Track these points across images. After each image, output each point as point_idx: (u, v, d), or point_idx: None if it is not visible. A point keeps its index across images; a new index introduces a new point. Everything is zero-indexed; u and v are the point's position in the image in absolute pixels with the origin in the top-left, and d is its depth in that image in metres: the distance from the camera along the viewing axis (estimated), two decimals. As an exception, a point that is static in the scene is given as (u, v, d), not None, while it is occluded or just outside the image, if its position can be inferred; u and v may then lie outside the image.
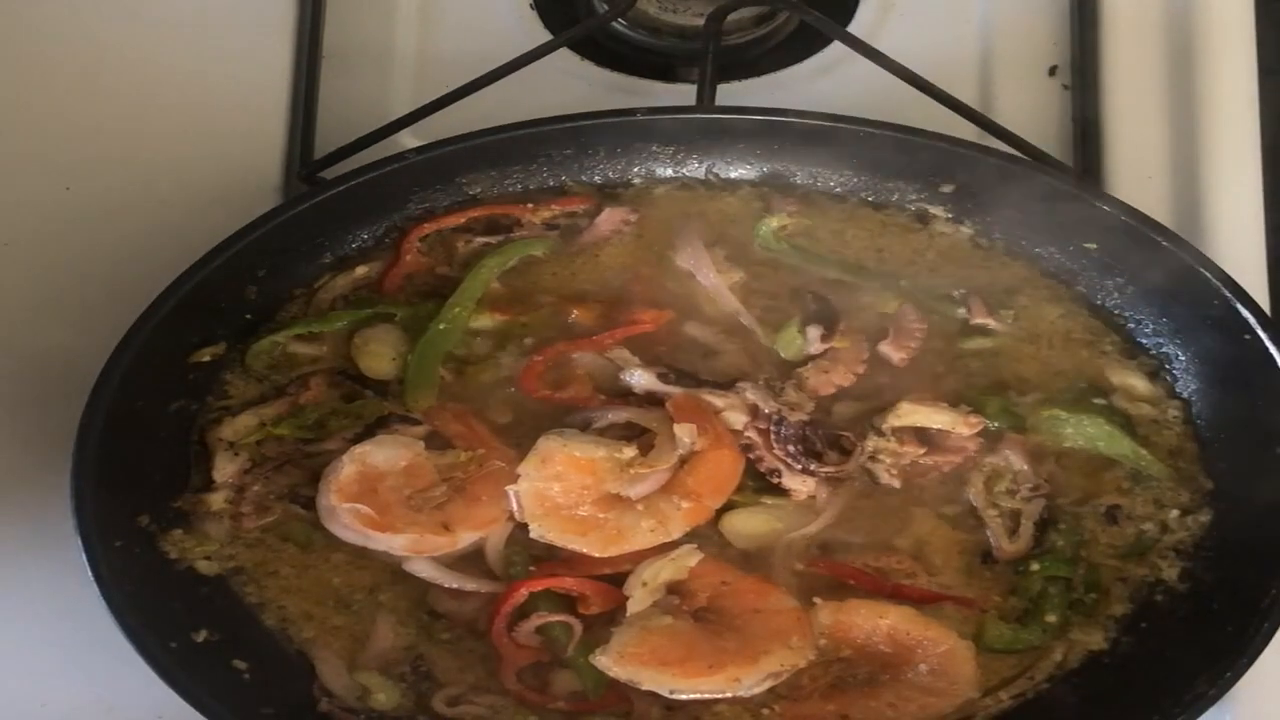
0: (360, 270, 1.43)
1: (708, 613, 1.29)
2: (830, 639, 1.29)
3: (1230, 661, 1.25)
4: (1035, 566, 1.32)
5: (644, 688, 1.26)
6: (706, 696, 1.26)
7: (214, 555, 1.31)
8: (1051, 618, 1.31)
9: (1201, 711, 1.24)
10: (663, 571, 1.29)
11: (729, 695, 1.26)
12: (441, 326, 1.40)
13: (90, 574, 1.23)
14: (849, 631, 1.29)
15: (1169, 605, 1.33)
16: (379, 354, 1.40)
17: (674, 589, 1.30)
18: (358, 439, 1.34)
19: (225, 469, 1.34)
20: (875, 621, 1.29)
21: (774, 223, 1.45)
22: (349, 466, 1.32)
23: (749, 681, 1.25)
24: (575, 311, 1.41)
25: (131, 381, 1.29)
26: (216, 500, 1.33)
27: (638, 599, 1.28)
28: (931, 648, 1.28)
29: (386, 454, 1.33)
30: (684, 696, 1.26)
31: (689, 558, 1.30)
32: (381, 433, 1.35)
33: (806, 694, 1.27)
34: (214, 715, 1.21)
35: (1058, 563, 1.32)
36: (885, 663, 1.28)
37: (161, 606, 1.26)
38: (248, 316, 1.39)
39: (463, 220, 1.45)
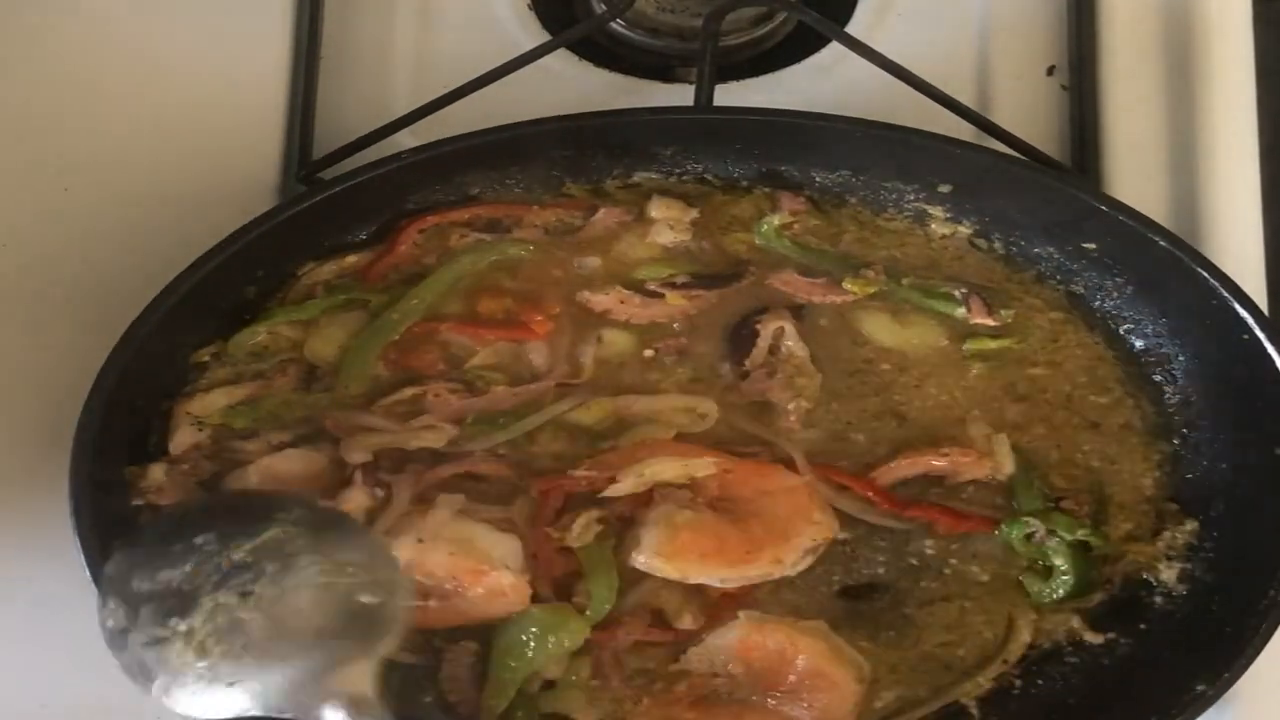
0: (350, 259, 1.43)
1: (721, 502, 1.31)
2: (730, 652, 1.29)
3: (1229, 662, 1.25)
4: None
5: (692, 581, 1.28)
6: (755, 581, 1.29)
7: None
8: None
9: (1200, 712, 1.25)
10: (665, 472, 1.30)
11: (776, 576, 1.29)
12: (394, 316, 1.39)
13: (89, 574, 1.23)
14: (751, 650, 1.29)
15: (1168, 606, 1.34)
16: (330, 338, 1.39)
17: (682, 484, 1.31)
18: (282, 446, 1.34)
19: (183, 443, 1.34)
20: (784, 646, 1.29)
21: (776, 220, 1.45)
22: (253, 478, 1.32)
23: (790, 560, 1.30)
24: (483, 300, 1.41)
25: (130, 381, 1.29)
26: (157, 472, 1.32)
27: (624, 486, 1.30)
28: (820, 683, 1.29)
29: (292, 465, 1.32)
30: (734, 585, 1.28)
31: (701, 469, 1.31)
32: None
33: (677, 697, 1.28)
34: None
35: None
36: (767, 687, 1.29)
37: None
38: (246, 316, 1.39)
39: (466, 216, 1.44)
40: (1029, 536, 1.34)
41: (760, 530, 1.29)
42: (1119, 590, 1.35)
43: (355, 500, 1.29)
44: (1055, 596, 1.34)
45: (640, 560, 1.28)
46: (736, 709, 1.29)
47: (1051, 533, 1.34)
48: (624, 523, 1.32)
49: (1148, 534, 1.36)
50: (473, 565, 1.27)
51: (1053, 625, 1.34)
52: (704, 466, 1.32)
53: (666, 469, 1.31)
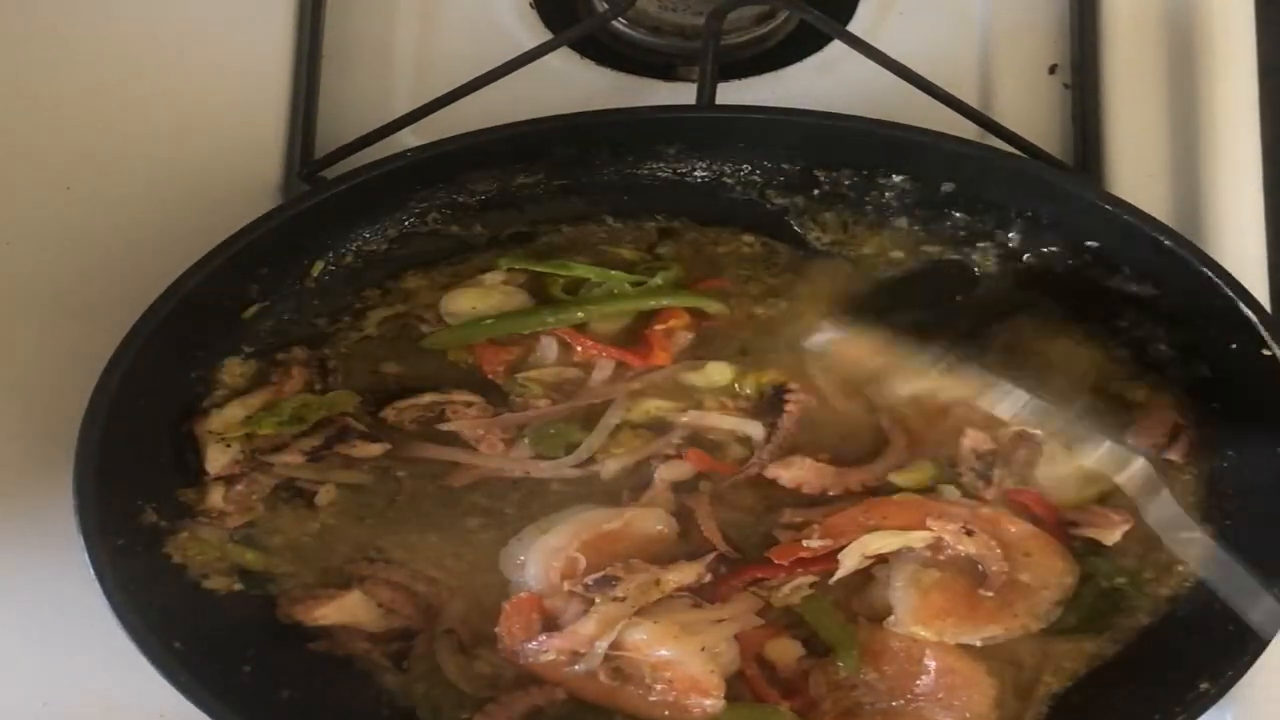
0: None
1: (961, 558, 1.30)
2: (860, 660, 1.29)
3: (1231, 660, 1.25)
4: None
5: (955, 643, 1.27)
6: (1011, 637, 1.28)
7: (216, 568, 1.32)
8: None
9: (1203, 710, 1.25)
10: (886, 547, 1.29)
11: (1033, 630, 1.29)
12: (549, 319, 1.41)
13: (93, 573, 1.23)
14: (878, 655, 1.29)
15: (1170, 605, 1.34)
16: (472, 296, 1.41)
17: None
18: (315, 452, 1.35)
19: (218, 460, 1.34)
20: (909, 646, 1.29)
21: None
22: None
23: (1043, 613, 1.29)
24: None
25: (134, 381, 1.29)
26: (215, 493, 1.33)
27: (848, 566, 1.29)
28: (955, 680, 1.28)
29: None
30: (998, 640, 1.28)
31: (918, 540, 1.29)
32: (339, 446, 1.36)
33: (822, 713, 1.27)
34: (217, 714, 1.21)
35: None
36: (904, 691, 1.28)
37: (164, 605, 1.26)
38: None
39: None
40: None
41: (1008, 585, 1.28)
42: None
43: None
44: (1062, 625, 1.32)
45: (899, 628, 1.27)
46: (881, 718, 1.28)
47: (1087, 578, 1.33)
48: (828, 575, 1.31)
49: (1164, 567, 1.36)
50: (691, 680, 1.26)
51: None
52: (921, 539, 1.29)
53: (887, 543, 1.29)
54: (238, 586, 1.32)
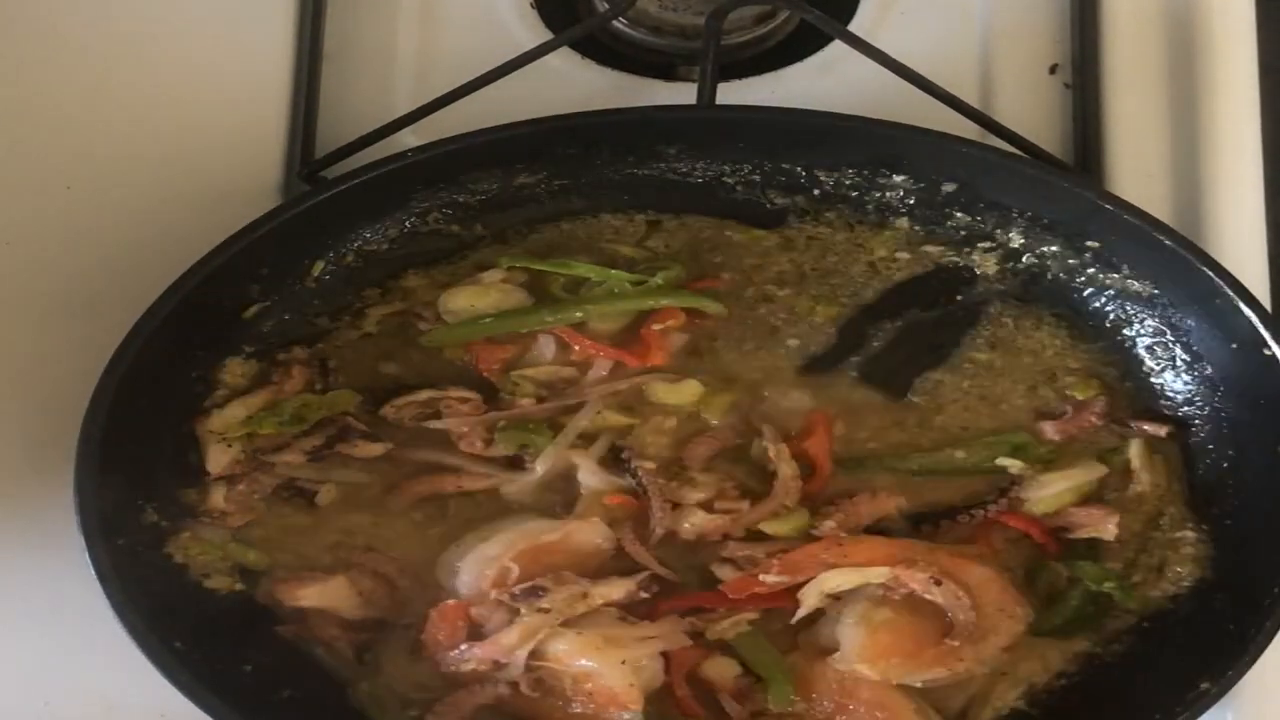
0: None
1: (914, 596, 1.28)
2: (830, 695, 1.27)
3: (1232, 660, 1.25)
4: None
5: (896, 682, 1.25)
6: (952, 682, 1.27)
7: (217, 568, 1.32)
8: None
9: (1204, 710, 1.24)
10: (844, 584, 1.28)
11: (976, 674, 1.27)
12: (548, 318, 1.40)
13: (93, 573, 1.23)
14: (810, 688, 1.27)
15: (1169, 604, 1.34)
16: (469, 294, 1.41)
17: None
18: (316, 451, 1.35)
19: (219, 460, 1.34)
20: (842, 677, 1.27)
21: None
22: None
23: (989, 658, 1.27)
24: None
25: (134, 381, 1.29)
26: (217, 493, 1.33)
27: (809, 605, 1.27)
28: (881, 715, 1.26)
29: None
30: (941, 682, 1.26)
31: (876, 577, 1.28)
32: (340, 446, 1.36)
33: None
34: (217, 714, 1.21)
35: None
36: (837, 712, 1.27)
37: (165, 605, 1.26)
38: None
39: None
40: None
41: (958, 628, 1.27)
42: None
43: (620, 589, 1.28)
44: (1046, 626, 1.32)
45: (843, 665, 1.25)
46: None
47: (1075, 580, 1.33)
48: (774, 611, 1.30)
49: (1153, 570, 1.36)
50: (610, 693, 1.25)
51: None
52: (879, 574, 1.27)
53: (847, 580, 1.28)
54: (239, 586, 1.32)
